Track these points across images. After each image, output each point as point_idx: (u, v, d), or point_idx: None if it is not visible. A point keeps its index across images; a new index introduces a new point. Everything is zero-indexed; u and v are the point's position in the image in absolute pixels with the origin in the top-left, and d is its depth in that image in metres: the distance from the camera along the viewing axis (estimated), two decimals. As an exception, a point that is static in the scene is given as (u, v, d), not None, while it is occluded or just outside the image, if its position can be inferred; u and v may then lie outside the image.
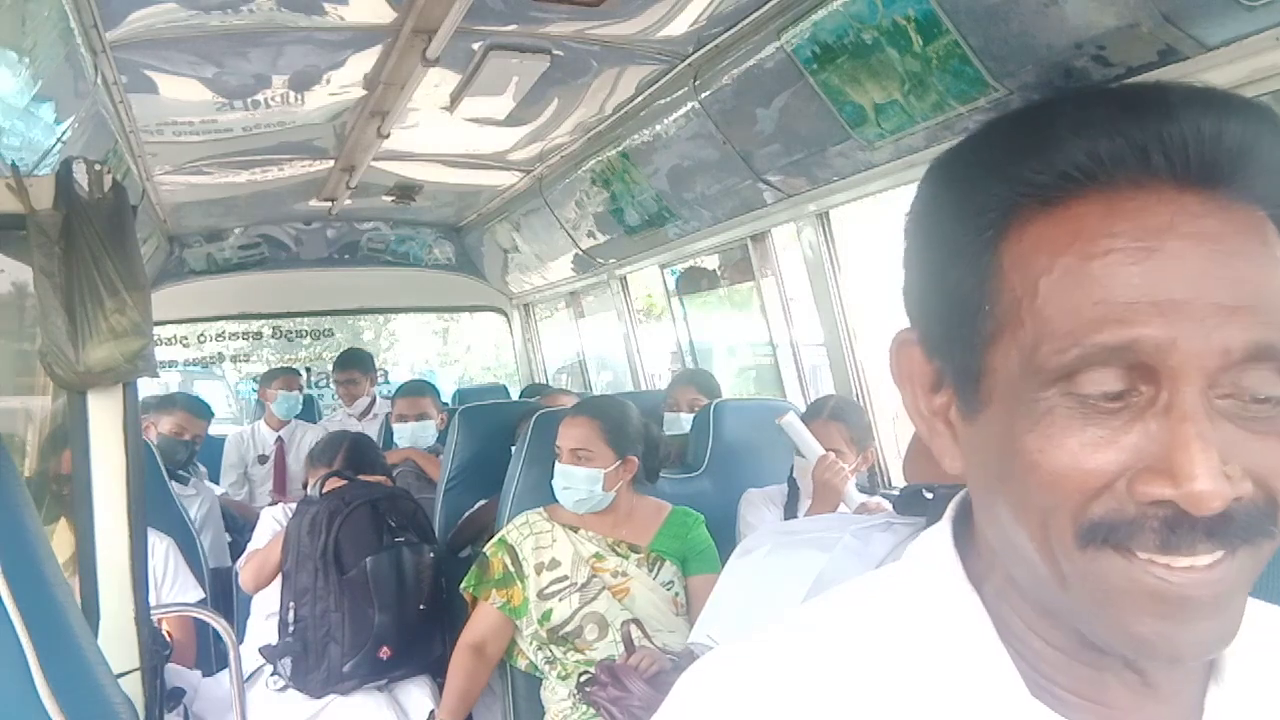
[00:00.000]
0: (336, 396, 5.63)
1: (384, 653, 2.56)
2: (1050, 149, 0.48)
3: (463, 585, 2.39)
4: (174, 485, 3.30)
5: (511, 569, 2.32)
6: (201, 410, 3.85)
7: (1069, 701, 0.53)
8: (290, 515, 2.77)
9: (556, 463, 2.37)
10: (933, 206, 0.54)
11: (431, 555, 2.72)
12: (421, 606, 2.65)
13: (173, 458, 3.49)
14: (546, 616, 2.27)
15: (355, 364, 4.88)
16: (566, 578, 2.29)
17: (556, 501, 2.40)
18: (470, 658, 2.35)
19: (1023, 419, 0.48)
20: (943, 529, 0.59)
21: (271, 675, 2.62)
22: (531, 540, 2.34)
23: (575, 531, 2.34)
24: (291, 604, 2.62)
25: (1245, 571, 0.47)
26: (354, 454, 2.95)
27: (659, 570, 2.33)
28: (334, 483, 2.76)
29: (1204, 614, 0.46)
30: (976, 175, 0.51)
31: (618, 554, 2.33)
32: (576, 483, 2.33)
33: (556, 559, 2.31)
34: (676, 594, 2.33)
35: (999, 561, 0.54)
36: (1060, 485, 0.47)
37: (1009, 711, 0.52)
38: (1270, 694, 0.55)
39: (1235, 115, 0.47)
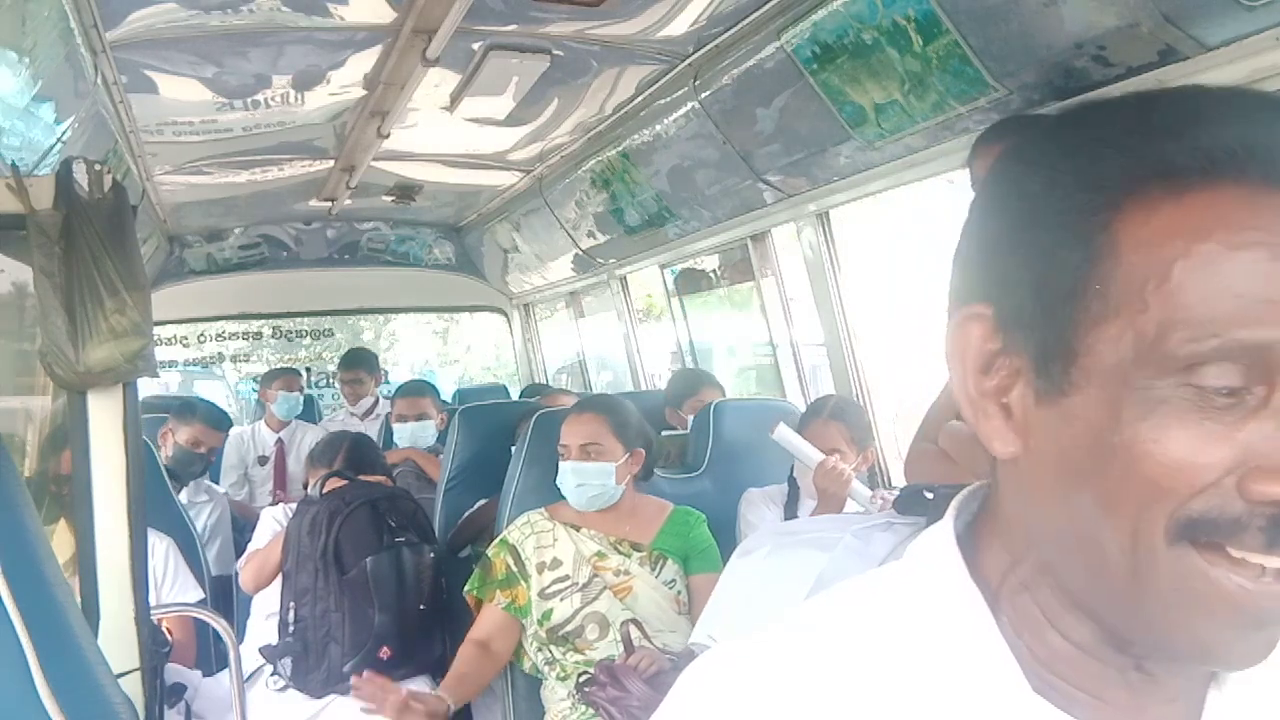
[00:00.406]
0: (338, 396, 5.63)
1: (384, 653, 2.56)
2: (1197, 131, 0.47)
3: (466, 589, 2.39)
4: (184, 494, 3.32)
5: (514, 569, 2.32)
6: (220, 422, 3.78)
7: (1073, 697, 0.53)
8: (290, 515, 2.77)
9: (563, 462, 2.36)
10: (1027, 176, 0.51)
11: (432, 555, 2.72)
12: (422, 607, 2.65)
13: (187, 469, 3.47)
14: (547, 616, 2.27)
15: (361, 363, 4.89)
16: (568, 577, 2.29)
17: (556, 501, 2.40)
18: (475, 649, 2.34)
19: (1133, 406, 0.46)
20: (944, 527, 0.58)
21: (271, 675, 2.62)
22: (533, 540, 2.34)
23: (577, 530, 2.34)
24: (292, 604, 2.62)
25: None
26: (354, 454, 2.95)
27: (661, 569, 2.34)
28: (334, 483, 2.76)
29: (1268, 623, 0.47)
30: (1094, 150, 0.49)
31: (620, 552, 2.33)
32: (590, 478, 2.33)
33: (558, 558, 2.31)
34: (679, 593, 2.33)
35: (1036, 552, 0.53)
36: (1169, 477, 0.46)
37: (1011, 708, 0.52)
38: (1269, 697, 0.55)
39: None
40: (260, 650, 2.64)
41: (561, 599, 2.27)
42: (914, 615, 0.55)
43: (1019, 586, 0.54)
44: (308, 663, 2.57)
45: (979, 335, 0.53)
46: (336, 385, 6.29)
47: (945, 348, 0.55)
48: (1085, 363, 0.48)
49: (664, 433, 2.74)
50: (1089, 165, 0.49)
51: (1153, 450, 0.46)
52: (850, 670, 0.54)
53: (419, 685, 2.67)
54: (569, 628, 2.26)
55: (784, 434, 2.44)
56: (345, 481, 2.76)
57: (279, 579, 2.69)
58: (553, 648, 2.27)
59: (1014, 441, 0.52)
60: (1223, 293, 0.45)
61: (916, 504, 1.34)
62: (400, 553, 2.64)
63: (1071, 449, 0.49)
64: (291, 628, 2.61)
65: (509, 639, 2.35)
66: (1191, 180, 0.47)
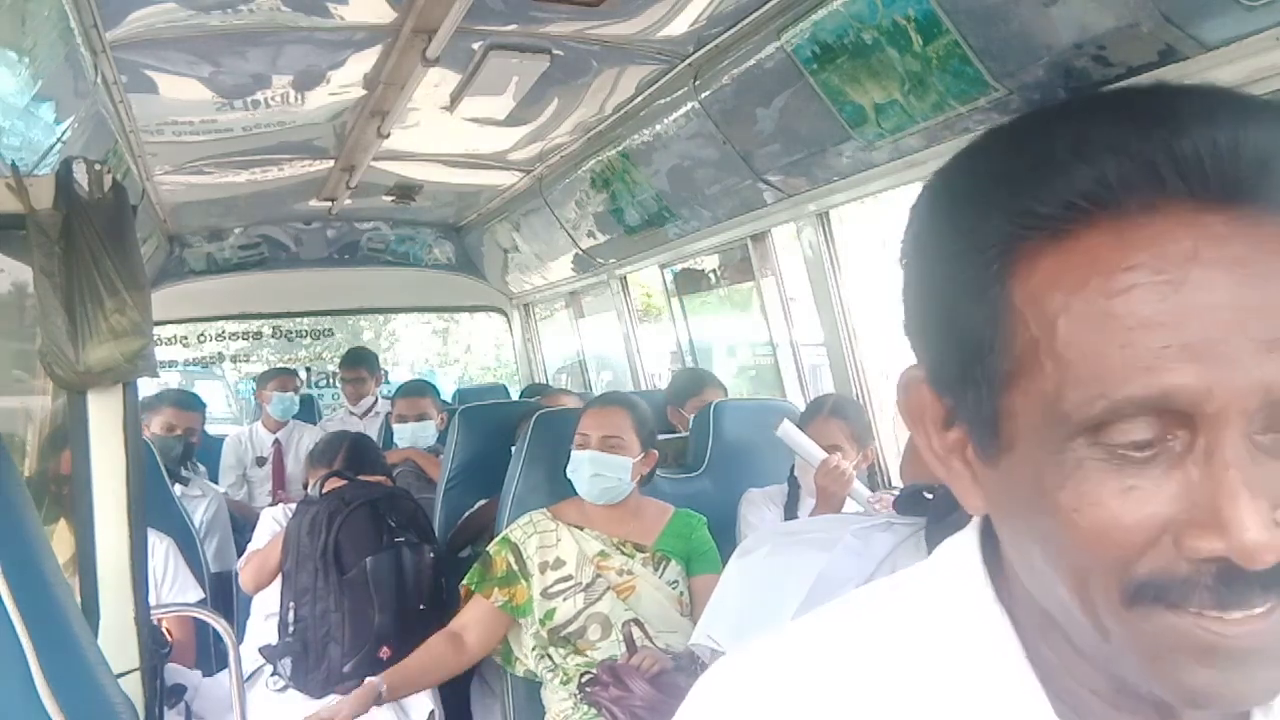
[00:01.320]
0: (338, 396, 5.63)
1: (384, 653, 2.56)
2: (1052, 176, 0.43)
3: (463, 581, 2.37)
4: (178, 487, 3.30)
5: (515, 567, 2.31)
6: (188, 402, 3.78)
7: None
8: (290, 515, 2.77)
9: (579, 451, 2.35)
10: (932, 235, 0.49)
11: (431, 555, 2.72)
12: (422, 606, 2.65)
13: (169, 455, 3.47)
14: (549, 616, 2.26)
15: (362, 362, 4.89)
16: (571, 577, 2.29)
17: (557, 501, 2.40)
18: (441, 642, 2.31)
19: (1051, 472, 0.44)
20: (969, 540, 0.55)
21: (271, 675, 2.62)
22: (536, 539, 2.33)
23: (581, 530, 2.34)
24: (291, 604, 2.62)
25: None
26: (354, 454, 2.95)
27: (664, 569, 2.34)
28: (334, 483, 2.76)
29: (1262, 663, 0.43)
30: (976, 204, 0.46)
31: (623, 553, 2.33)
32: (608, 469, 2.32)
33: (561, 558, 2.31)
34: (681, 593, 2.33)
35: (1036, 601, 0.50)
36: (1101, 545, 0.43)
37: None
38: None
39: (1253, 121, 0.42)
40: (260, 650, 2.64)
41: (564, 599, 2.27)
42: (938, 633, 0.53)
43: (1032, 629, 0.52)
44: (307, 663, 2.57)
45: (931, 395, 0.51)
46: (337, 385, 6.29)
47: (899, 411, 0.53)
48: (1009, 425, 0.46)
49: (660, 436, 2.73)
50: (974, 219, 0.46)
51: (1078, 519, 0.43)
52: (872, 683, 0.52)
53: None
54: (571, 628, 2.25)
55: (788, 431, 2.45)
56: (345, 481, 2.76)
57: (279, 579, 2.69)
58: (553, 650, 2.27)
59: (980, 497, 0.50)
60: (1106, 346, 0.42)
61: (916, 504, 1.34)
62: (400, 553, 2.64)
63: (1019, 512, 0.47)
64: (291, 628, 2.60)
65: (489, 634, 2.33)
66: (1064, 226, 0.43)
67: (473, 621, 2.32)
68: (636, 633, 2.23)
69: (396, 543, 2.65)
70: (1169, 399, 0.41)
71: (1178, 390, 0.41)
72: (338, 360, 6.60)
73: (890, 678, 0.52)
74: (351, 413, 4.77)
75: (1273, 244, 0.42)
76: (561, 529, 2.35)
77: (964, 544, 0.55)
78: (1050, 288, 0.43)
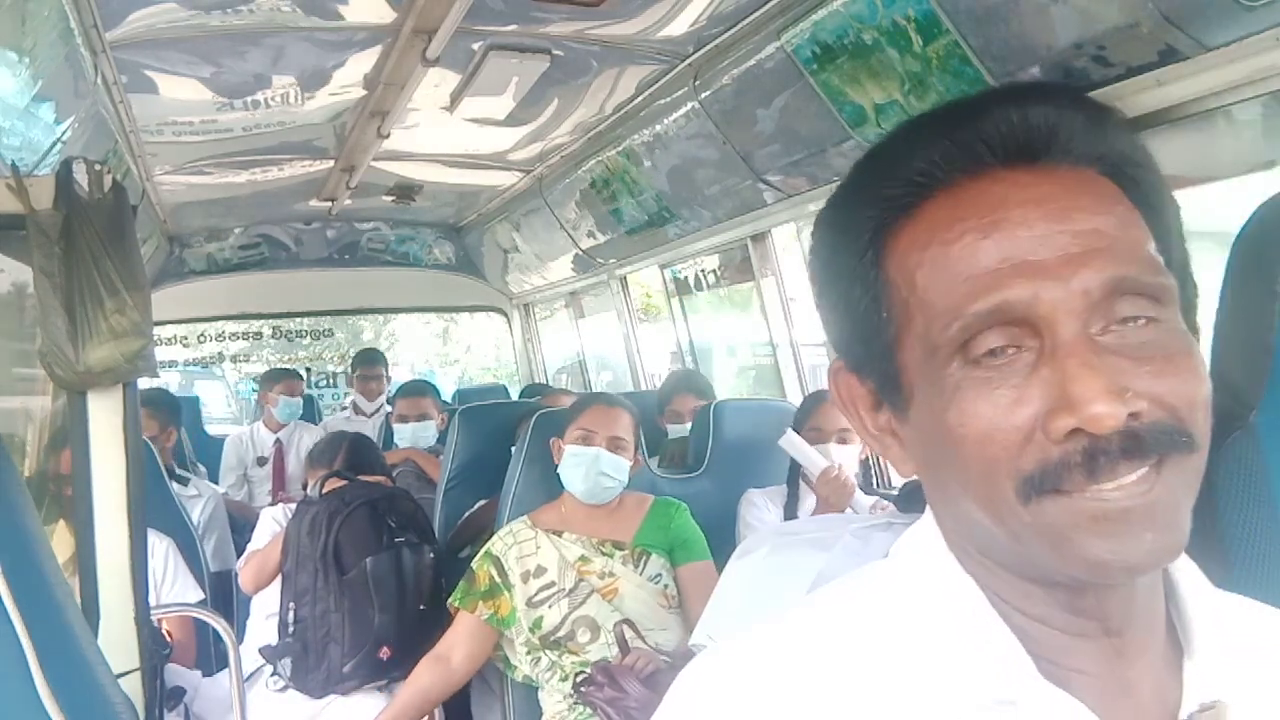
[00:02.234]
0: (338, 396, 5.63)
1: (384, 653, 2.56)
2: (897, 166, 0.57)
3: (450, 600, 2.36)
4: (175, 486, 3.28)
5: (498, 580, 2.30)
6: (154, 400, 3.59)
7: (1067, 677, 0.54)
8: (290, 515, 2.77)
9: (582, 447, 2.32)
10: (825, 246, 0.61)
11: (431, 556, 2.72)
12: (421, 607, 2.65)
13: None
14: (538, 624, 2.26)
15: (381, 360, 4.92)
16: (554, 584, 2.27)
17: (535, 510, 2.40)
18: (427, 669, 2.30)
19: (938, 399, 0.53)
20: (926, 520, 0.61)
21: (271, 676, 2.62)
22: (515, 550, 2.32)
23: (559, 536, 2.32)
24: (291, 604, 2.62)
25: (1177, 484, 0.51)
26: (353, 454, 2.95)
27: (645, 565, 2.31)
28: (334, 483, 2.76)
29: (1145, 525, 0.50)
30: (851, 206, 0.59)
31: (603, 554, 2.30)
32: (615, 471, 2.32)
33: (542, 565, 2.29)
34: (666, 586, 2.31)
35: (966, 541, 0.57)
36: (987, 448, 0.51)
37: (1017, 690, 0.53)
38: (1235, 659, 0.56)
39: (1037, 98, 0.55)
40: (260, 651, 2.64)
41: (549, 606, 2.26)
42: (907, 605, 0.58)
43: (986, 578, 0.57)
44: (307, 663, 2.57)
45: (855, 381, 0.61)
46: (338, 385, 6.29)
47: (833, 397, 0.63)
48: (906, 379, 0.56)
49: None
50: (849, 220, 0.59)
51: (965, 432, 0.52)
52: (850, 662, 0.56)
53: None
54: (560, 633, 2.24)
55: (791, 440, 2.46)
56: (345, 482, 2.76)
57: (279, 579, 2.69)
58: (547, 651, 2.26)
59: (908, 461, 0.60)
60: (954, 281, 0.53)
61: (917, 501, 1.34)
62: (400, 553, 2.64)
63: (929, 451, 0.56)
64: (291, 628, 2.60)
65: (478, 650, 2.31)
66: (912, 204, 0.56)
67: (459, 640, 2.31)
68: (629, 633, 2.22)
69: (396, 543, 2.64)
70: (1008, 308, 0.51)
71: (1012, 299, 0.51)
72: (337, 360, 6.60)
73: (869, 650, 0.56)
74: (359, 411, 4.76)
75: (1072, 184, 0.54)
76: (540, 536, 2.33)
77: (922, 524, 0.62)
78: (908, 252, 0.55)
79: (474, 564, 2.37)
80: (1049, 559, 0.52)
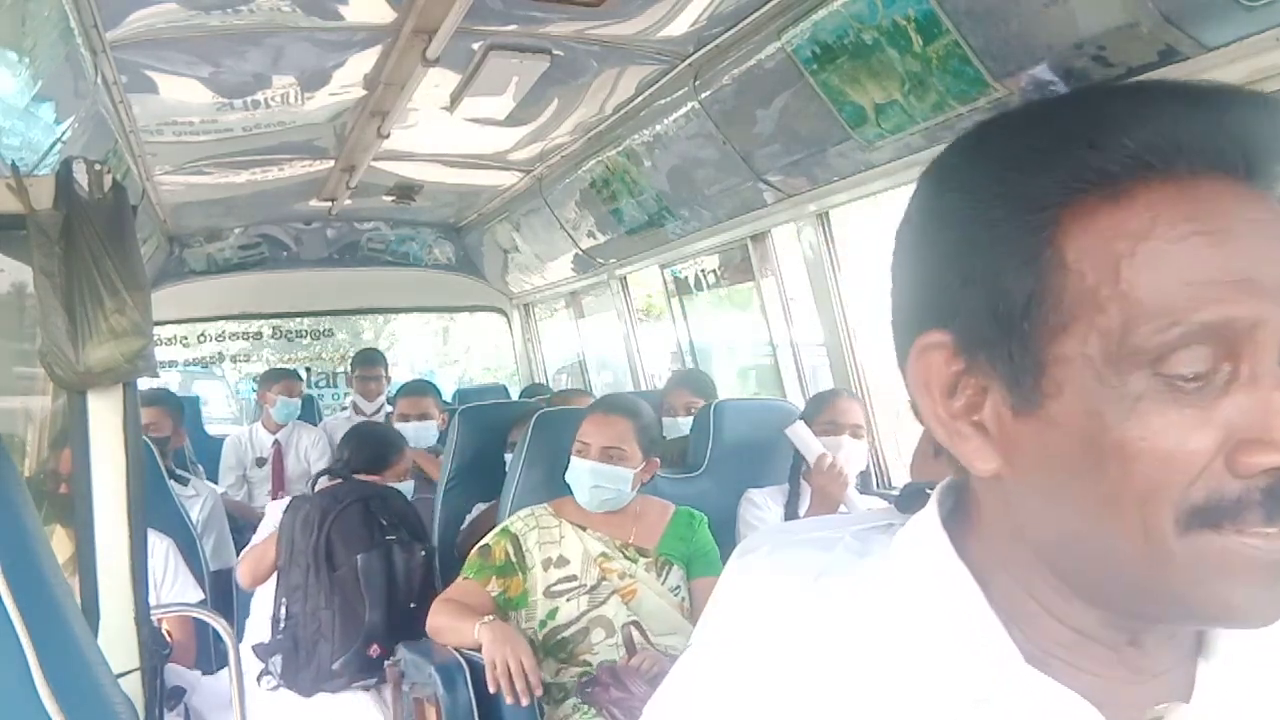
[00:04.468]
0: (338, 396, 5.62)
1: (374, 650, 2.55)
2: (1120, 134, 0.49)
3: (463, 574, 2.33)
4: (174, 486, 3.28)
5: (514, 558, 2.28)
6: (165, 399, 3.60)
7: (1067, 671, 0.53)
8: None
9: (578, 459, 2.31)
10: (959, 206, 0.52)
11: (423, 554, 2.72)
12: (412, 605, 2.64)
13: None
14: (552, 614, 2.24)
15: (381, 361, 4.90)
16: (576, 578, 2.26)
17: (557, 499, 2.39)
18: (442, 603, 2.28)
19: (1113, 408, 0.48)
20: (929, 513, 0.59)
21: (265, 675, 2.62)
22: (536, 534, 2.30)
23: (584, 530, 2.31)
24: (283, 601, 2.62)
25: None
26: (373, 447, 2.95)
27: (667, 575, 2.30)
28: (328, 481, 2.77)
29: None
30: (1026, 166, 0.50)
31: (626, 557, 2.29)
32: (607, 481, 2.28)
33: (565, 556, 2.27)
34: (683, 599, 2.30)
35: (1027, 552, 0.54)
36: (1163, 470, 0.47)
37: (1006, 678, 0.53)
38: (1253, 662, 0.55)
39: (1272, 112, 0.50)
40: (253, 648, 2.64)
41: (568, 599, 2.24)
42: (904, 596, 0.56)
43: (1009, 581, 0.55)
44: (298, 660, 2.57)
45: (941, 360, 0.54)
46: (339, 385, 6.28)
47: (908, 379, 0.56)
48: (1054, 372, 0.50)
49: (666, 436, 2.74)
50: (1021, 186, 0.50)
51: (1143, 447, 0.47)
52: (843, 659, 0.55)
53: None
54: (573, 629, 2.23)
55: (797, 430, 2.49)
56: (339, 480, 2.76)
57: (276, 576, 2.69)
58: (549, 661, 2.22)
59: (994, 458, 0.53)
60: (1174, 283, 0.47)
61: (917, 501, 1.34)
62: (391, 551, 2.63)
63: (1060, 456, 0.50)
64: (282, 625, 2.60)
65: (479, 611, 2.25)
66: (1124, 184, 0.49)
67: (464, 597, 2.26)
68: (635, 634, 2.22)
69: (388, 541, 2.64)
70: (1229, 325, 0.46)
71: (1236, 318, 0.46)
72: (337, 360, 6.59)
73: (863, 640, 0.55)
74: (359, 411, 4.76)
75: (1277, 213, 0.49)
76: (565, 526, 2.31)
77: (924, 517, 0.59)
78: (1112, 238, 0.48)
79: (489, 539, 2.34)
80: (1184, 593, 0.49)
